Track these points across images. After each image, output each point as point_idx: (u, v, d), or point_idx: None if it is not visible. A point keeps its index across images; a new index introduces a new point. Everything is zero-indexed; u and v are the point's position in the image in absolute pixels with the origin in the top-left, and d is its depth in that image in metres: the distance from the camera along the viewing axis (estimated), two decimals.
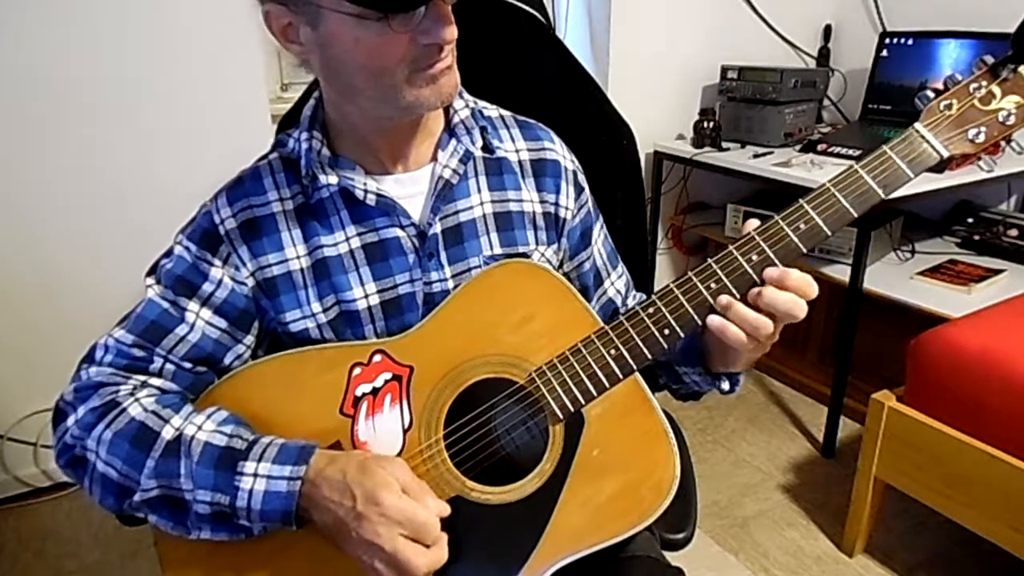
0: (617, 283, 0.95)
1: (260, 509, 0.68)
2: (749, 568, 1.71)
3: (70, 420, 0.73)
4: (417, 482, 0.69)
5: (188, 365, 0.78)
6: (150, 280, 0.79)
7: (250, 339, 0.82)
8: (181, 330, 0.77)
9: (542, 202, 0.87)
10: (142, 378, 0.76)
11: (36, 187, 1.78)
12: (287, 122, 1.03)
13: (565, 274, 0.91)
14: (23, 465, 1.97)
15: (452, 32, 0.69)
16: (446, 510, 0.69)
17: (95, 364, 0.76)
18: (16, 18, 1.65)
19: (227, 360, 0.80)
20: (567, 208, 0.88)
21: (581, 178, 0.91)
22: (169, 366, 0.77)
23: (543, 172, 0.87)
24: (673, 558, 0.91)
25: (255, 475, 0.68)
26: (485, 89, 0.89)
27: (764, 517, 1.87)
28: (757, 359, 0.78)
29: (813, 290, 0.71)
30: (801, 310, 0.70)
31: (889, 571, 1.68)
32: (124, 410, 0.72)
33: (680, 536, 0.97)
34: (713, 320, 0.72)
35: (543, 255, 0.87)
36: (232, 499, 0.68)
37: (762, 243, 0.72)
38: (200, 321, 0.78)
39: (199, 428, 0.72)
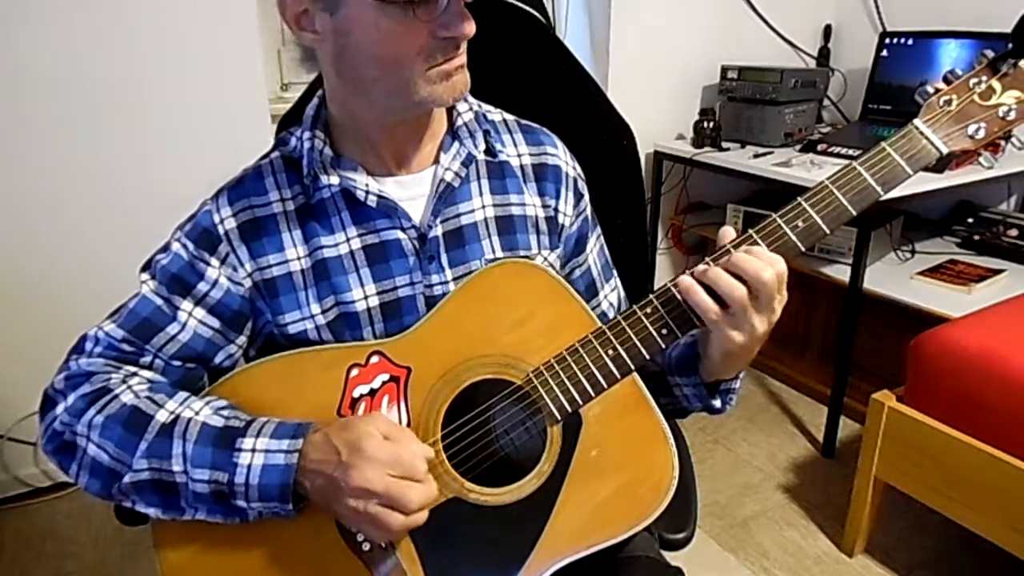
0: (611, 296, 0.94)
1: (258, 483, 0.68)
2: (749, 568, 1.71)
3: (59, 407, 0.73)
4: (398, 428, 0.70)
5: (177, 363, 0.78)
6: (144, 275, 0.79)
7: (242, 340, 0.81)
8: (172, 329, 0.77)
9: (544, 206, 0.87)
10: (132, 369, 0.77)
11: (36, 187, 1.78)
12: (288, 121, 1.02)
13: None
14: (23, 465, 1.97)
15: (471, 27, 0.70)
16: (430, 452, 0.70)
17: (84, 355, 0.76)
18: (17, 18, 1.65)
19: (218, 359, 0.80)
20: (565, 214, 0.88)
21: (581, 185, 0.91)
22: (159, 362, 0.77)
23: (544, 177, 0.87)
24: (673, 558, 0.91)
25: (253, 450, 0.69)
26: (485, 89, 0.89)
27: (764, 517, 1.87)
28: (742, 361, 0.77)
29: (779, 262, 0.69)
30: (766, 272, 0.67)
31: (889, 571, 1.68)
32: (116, 396, 0.72)
33: (680, 536, 0.97)
34: (683, 280, 0.71)
35: (546, 259, 0.86)
36: (231, 475, 0.69)
37: (760, 241, 0.72)
38: (192, 320, 0.78)
39: (196, 412, 0.72)
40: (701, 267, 0.71)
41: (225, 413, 0.73)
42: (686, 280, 0.71)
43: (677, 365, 0.83)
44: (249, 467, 0.68)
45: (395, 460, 0.67)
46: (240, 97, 1.93)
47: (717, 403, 0.82)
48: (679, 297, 0.72)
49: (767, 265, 0.68)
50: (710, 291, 0.70)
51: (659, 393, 0.85)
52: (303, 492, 0.70)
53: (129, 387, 0.73)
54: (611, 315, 0.94)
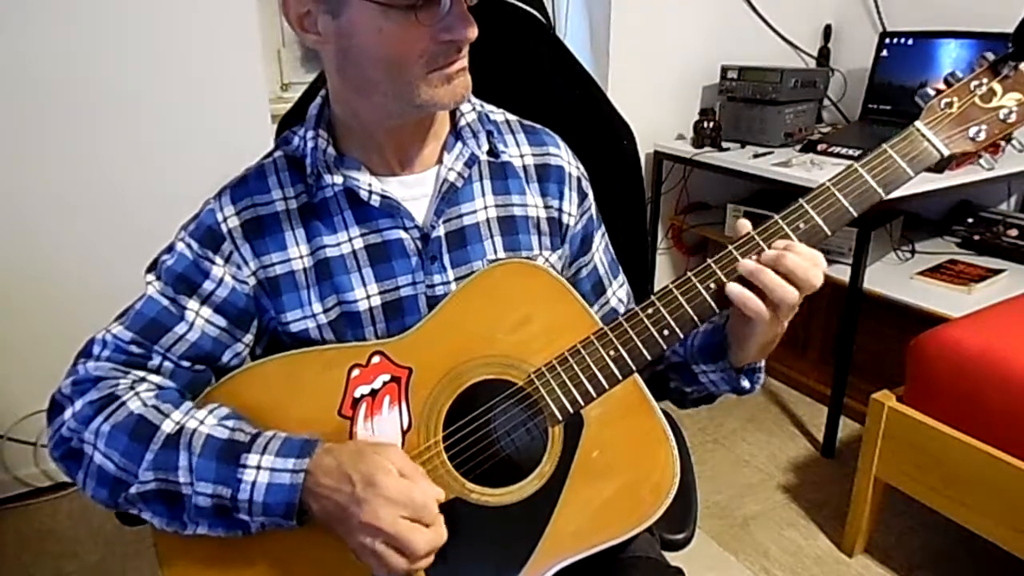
0: (619, 292, 0.95)
1: (263, 501, 0.68)
2: (749, 568, 1.71)
3: (67, 413, 0.73)
4: (412, 466, 0.70)
5: (186, 364, 0.78)
6: (150, 277, 0.79)
7: (249, 338, 0.81)
8: (180, 329, 0.77)
9: (546, 207, 0.87)
10: (141, 374, 0.76)
11: (36, 187, 1.78)
12: (289, 120, 1.02)
13: None
14: (23, 465, 1.97)
15: (473, 31, 0.70)
16: (441, 494, 0.70)
17: (92, 359, 0.76)
18: (17, 18, 1.65)
19: (225, 358, 0.80)
20: (570, 214, 0.88)
21: (585, 184, 0.91)
22: (167, 364, 0.77)
23: (547, 177, 0.87)
24: (673, 558, 0.91)
25: (258, 467, 0.68)
26: (486, 89, 0.89)
27: (764, 517, 1.87)
28: (773, 346, 0.77)
29: (820, 257, 0.71)
30: (818, 278, 0.70)
31: (889, 571, 1.68)
32: (123, 404, 0.72)
33: (680, 536, 0.97)
34: (734, 289, 0.71)
35: (547, 260, 0.86)
36: (234, 491, 0.68)
37: (762, 243, 0.72)
38: (199, 320, 0.78)
39: (201, 423, 0.72)
40: (752, 265, 0.70)
41: (230, 424, 0.72)
42: (738, 291, 0.71)
43: (700, 352, 0.83)
44: (254, 484, 0.68)
45: (408, 501, 0.66)
46: (240, 97, 1.93)
47: (746, 383, 0.82)
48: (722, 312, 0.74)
49: (812, 264, 0.70)
50: (758, 291, 0.71)
51: (685, 383, 0.86)
52: (307, 510, 0.69)
53: (136, 394, 0.73)
54: (620, 310, 0.94)
